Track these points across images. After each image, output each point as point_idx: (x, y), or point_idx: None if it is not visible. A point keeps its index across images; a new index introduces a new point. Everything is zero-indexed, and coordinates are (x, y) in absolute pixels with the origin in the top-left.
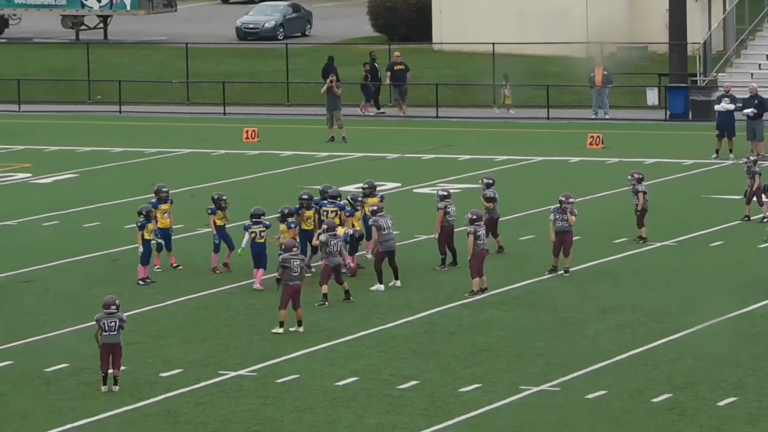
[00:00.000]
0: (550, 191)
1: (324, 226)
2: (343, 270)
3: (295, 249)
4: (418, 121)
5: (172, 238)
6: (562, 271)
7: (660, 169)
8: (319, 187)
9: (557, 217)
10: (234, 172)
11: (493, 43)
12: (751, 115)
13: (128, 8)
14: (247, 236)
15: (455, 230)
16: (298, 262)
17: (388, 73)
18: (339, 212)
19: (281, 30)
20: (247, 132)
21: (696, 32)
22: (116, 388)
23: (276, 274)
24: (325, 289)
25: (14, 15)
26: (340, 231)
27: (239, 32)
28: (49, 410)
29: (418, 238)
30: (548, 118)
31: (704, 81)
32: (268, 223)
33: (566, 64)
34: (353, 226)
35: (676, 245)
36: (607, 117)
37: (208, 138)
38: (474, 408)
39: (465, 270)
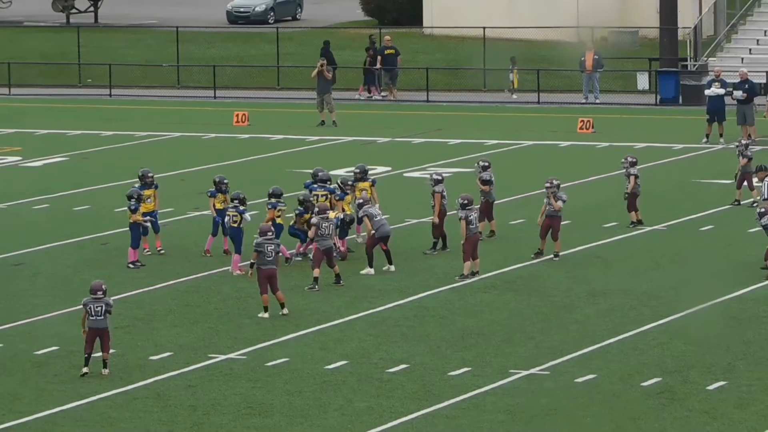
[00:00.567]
0: (540, 175)
1: (315, 209)
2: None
3: (270, 233)
4: (409, 105)
5: (158, 222)
6: (552, 255)
7: (650, 153)
8: (309, 171)
9: (547, 201)
10: (224, 155)
11: (484, 27)
12: (742, 98)
13: None
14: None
15: (447, 214)
16: (272, 247)
17: (379, 58)
18: (329, 196)
19: (272, 14)
20: (237, 116)
21: (687, 17)
22: (106, 372)
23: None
24: (316, 272)
25: None
26: (331, 215)
27: (230, 16)
28: (39, 393)
29: (409, 222)
30: (539, 102)
31: (695, 66)
32: (242, 208)
33: (557, 49)
34: (343, 210)
35: (667, 229)
36: (597, 101)
37: (198, 122)
38: (464, 391)
39: (455, 254)
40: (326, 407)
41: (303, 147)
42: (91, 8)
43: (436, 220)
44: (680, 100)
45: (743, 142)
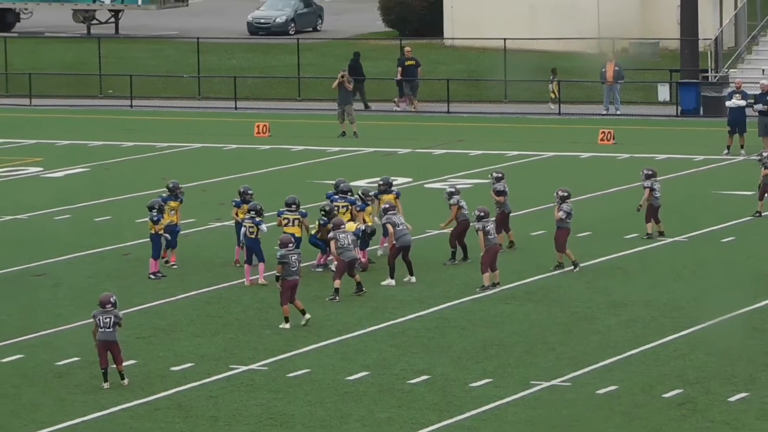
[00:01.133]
0: (560, 187)
1: (330, 226)
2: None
3: (291, 244)
4: (430, 117)
5: (177, 236)
6: (569, 267)
7: (671, 165)
8: (331, 182)
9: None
10: (245, 166)
11: (505, 39)
12: (764, 110)
13: (139, 3)
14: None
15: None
16: (296, 257)
17: (399, 69)
18: (350, 207)
19: (292, 25)
20: (258, 127)
21: (707, 28)
22: (125, 382)
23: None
24: (338, 284)
25: (26, 9)
26: (351, 227)
27: (250, 27)
28: (60, 403)
29: (430, 233)
30: (559, 113)
31: (716, 77)
32: (258, 219)
33: (578, 60)
34: (364, 221)
35: (688, 241)
36: (618, 113)
37: (219, 132)
38: (485, 403)
39: (476, 265)
40: (347, 418)
41: (324, 158)
42: (112, 19)
43: (443, 226)
44: (701, 112)
45: (765, 153)
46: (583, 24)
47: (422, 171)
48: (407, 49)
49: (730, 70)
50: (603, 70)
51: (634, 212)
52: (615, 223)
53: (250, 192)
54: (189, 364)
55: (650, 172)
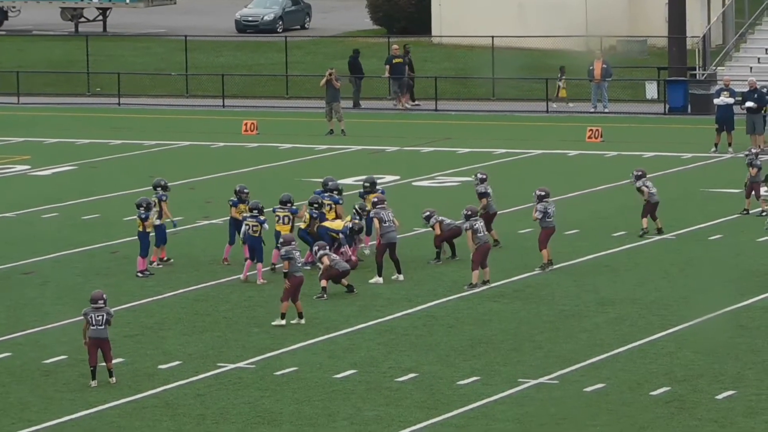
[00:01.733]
0: (548, 185)
1: (315, 248)
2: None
3: (293, 242)
4: (417, 114)
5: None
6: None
7: (659, 162)
8: (320, 180)
9: None
10: (233, 164)
11: (493, 36)
12: (752, 107)
13: (127, 1)
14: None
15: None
16: (299, 254)
17: (387, 67)
18: (334, 206)
19: (280, 23)
20: (246, 124)
21: (695, 26)
22: (113, 380)
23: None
24: (324, 283)
25: (13, 7)
26: (339, 224)
27: (238, 25)
28: (47, 401)
29: (417, 231)
30: (547, 111)
31: (703, 74)
32: (263, 218)
33: (565, 58)
34: (351, 219)
35: (675, 239)
36: (606, 110)
37: (207, 130)
38: (472, 401)
39: (464, 263)
40: (335, 416)
41: (312, 156)
42: (100, 17)
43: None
44: (689, 109)
45: (753, 151)
46: (570, 22)
47: (410, 169)
48: (395, 47)
49: (718, 68)
50: (591, 67)
51: (622, 210)
52: (603, 221)
53: (246, 191)
54: (177, 362)
55: (640, 173)
